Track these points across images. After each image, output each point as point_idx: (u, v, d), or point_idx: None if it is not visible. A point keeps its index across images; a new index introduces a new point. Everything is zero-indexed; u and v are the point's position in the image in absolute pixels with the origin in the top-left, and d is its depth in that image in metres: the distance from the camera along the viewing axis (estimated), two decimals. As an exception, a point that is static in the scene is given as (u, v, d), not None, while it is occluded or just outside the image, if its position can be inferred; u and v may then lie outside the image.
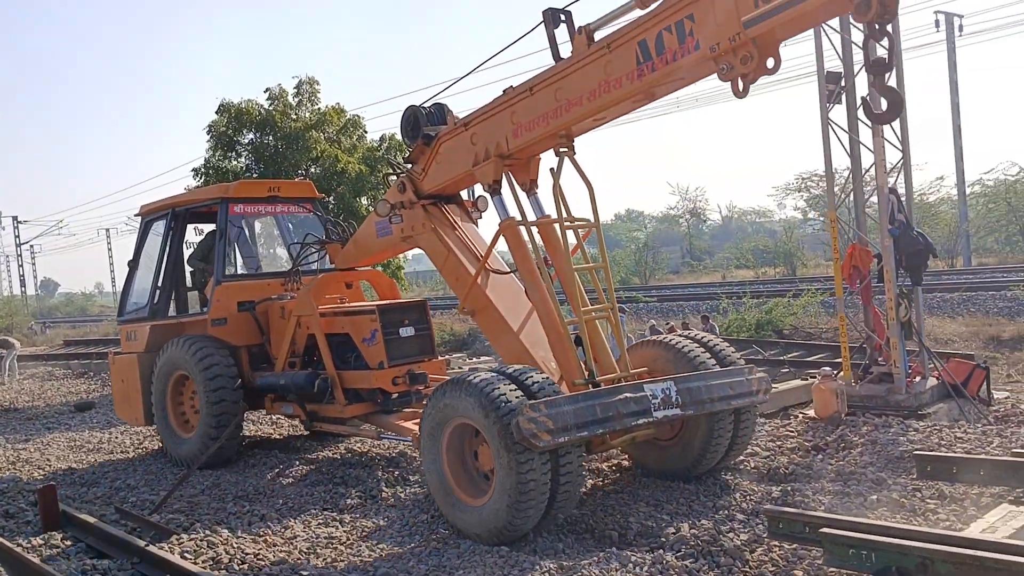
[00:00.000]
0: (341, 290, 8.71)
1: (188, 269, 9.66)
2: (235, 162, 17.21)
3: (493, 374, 5.62)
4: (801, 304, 17.20)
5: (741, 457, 6.91)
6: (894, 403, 8.75)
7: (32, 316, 46.57)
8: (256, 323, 8.71)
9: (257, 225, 10.41)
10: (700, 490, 6.34)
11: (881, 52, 4.52)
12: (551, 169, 6.19)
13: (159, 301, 9.21)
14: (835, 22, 9.20)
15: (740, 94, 4.97)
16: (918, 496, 5.78)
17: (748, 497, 6.14)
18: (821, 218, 38.91)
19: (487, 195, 6.51)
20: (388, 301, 8.36)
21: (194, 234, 9.79)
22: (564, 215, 6.25)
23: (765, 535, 5.11)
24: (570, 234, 6.48)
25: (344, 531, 6.19)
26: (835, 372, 9.44)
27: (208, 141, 17.19)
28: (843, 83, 9.28)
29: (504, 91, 6.23)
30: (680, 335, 6.88)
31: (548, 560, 5.09)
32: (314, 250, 8.79)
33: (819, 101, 9.31)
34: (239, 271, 9.79)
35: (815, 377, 9.41)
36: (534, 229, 6.38)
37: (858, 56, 9.18)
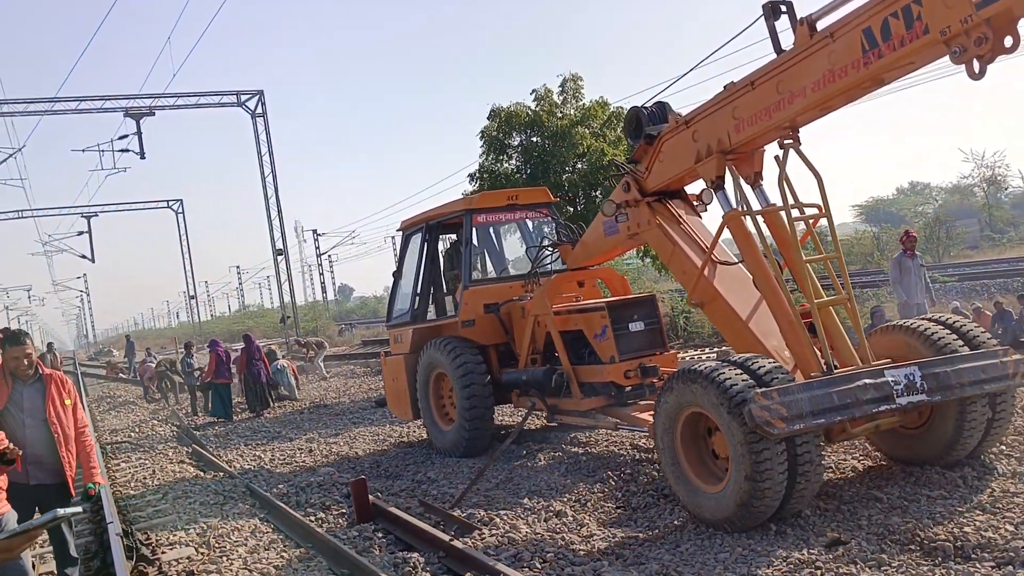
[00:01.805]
0: (574, 288, 9.64)
1: (443, 276, 11.13)
2: (506, 164, 18.58)
3: (720, 362, 6.07)
4: None
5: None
6: None
7: (332, 319, 53.44)
8: (501, 323, 9.90)
9: (504, 231, 11.70)
10: None
11: None
12: (776, 157, 6.50)
13: (419, 306, 10.75)
14: None
15: (976, 76, 4.99)
16: None
17: None
18: None
19: (711, 190, 6.98)
20: (618, 298, 9.12)
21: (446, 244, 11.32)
22: (791, 204, 6.53)
23: None
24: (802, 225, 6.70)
25: (640, 531, 6.39)
26: None
27: (481, 146, 18.77)
28: None
29: (724, 87, 6.62)
30: (926, 319, 6.88)
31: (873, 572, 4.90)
32: (548, 252, 9.78)
33: None
34: (489, 275, 11.07)
35: None
36: (760, 220, 6.75)
37: None
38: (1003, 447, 6.97)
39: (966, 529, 5.31)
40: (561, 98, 18.84)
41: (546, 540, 6.34)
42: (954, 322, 6.75)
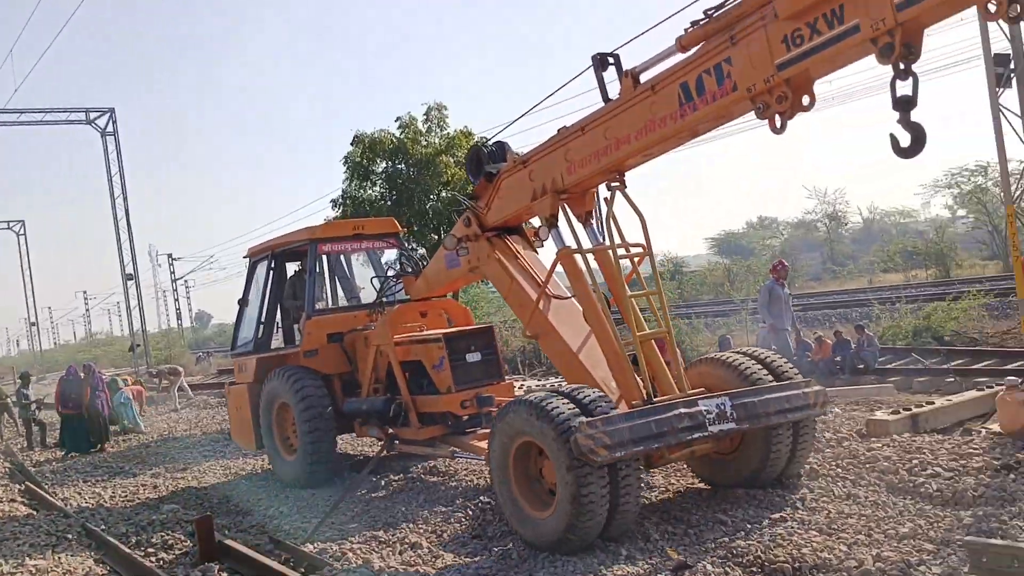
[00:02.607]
0: (417, 319, 9.94)
1: (288, 305, 11.19)
2: (370, 191, 18.80)
3: (549, 393, 6.49)
4: (962, 308, 17.14)
5: (920, 479, 7.05)
6: None
7: (188, 347, 51.27)
8: (344, 353, 10.07)
9: (356, 260, 11.89)
10: (879, 516, 6.31)
11: (906, 91, 5.06)
12: (605, 199, 7.05)
13: (263, 335, 10.79)
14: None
15: (778, 131, 5.57)
16: None
17: (935, 524, 6.04)
18: (971, 216, 37.79)
19: (546, 227, 7.43)
20: (456, 328, 9.52)
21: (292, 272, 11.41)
22: (618, 243, 7.08)
23: (965, 569, 5.00)
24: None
25: (493, 561, 6.47)
26: (1020, 381, 8.96)
27: (344, 172, 18.91)
28: (1013, 65, 9.34)
29: (558, 130, 7.12)
30: (736, 352, 7.58)
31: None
32: (394, 282, 10.07)
33: (987, 86, 9.31)
34: (335, 304, 11.23)
35: (992, 387, 9.26)
36: (590, 256, 7.28)
37: None
38: (839, 470, 7.60)
39: (804, 550, 5.67)
40: (426, 126, 19.25)
41: (400, 574, 6.45)
42: (763, 356, 7.44)
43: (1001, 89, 9.27)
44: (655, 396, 6.76)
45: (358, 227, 10.91)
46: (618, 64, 6.66)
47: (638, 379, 6.84)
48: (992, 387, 10.07)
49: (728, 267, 45.78)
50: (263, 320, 10.80)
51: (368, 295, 11.63)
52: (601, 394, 6.48)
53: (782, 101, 5.41)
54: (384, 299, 10.05)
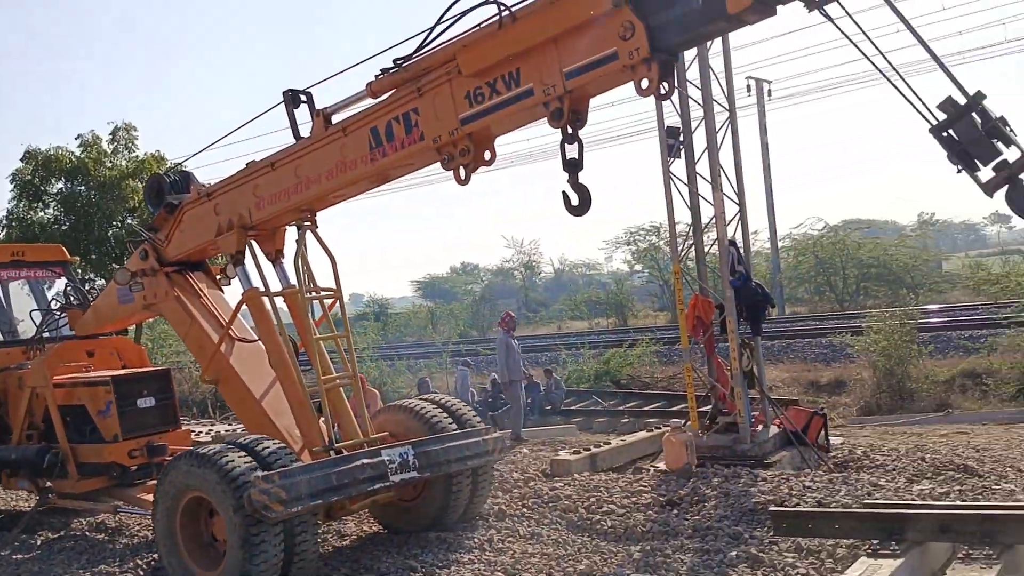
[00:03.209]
0: (83, 358, 8.87)
1: None
2: (42, 213, 17.16)
3: (225, 445, 6.09)
4: (636, 354, 18.63)
5: (597, 516, 7.41)
6: (740, 452, 9.45)
7: None
8: None
9: (15, 290, 10.43)
10: (559, 554, 6.54)
11: (573, 154, 5.39)
12: (296, 240, 6.78)
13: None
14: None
15: (462, 182, 5.67)
16: (775, 549, 6.18)
17: (608, 560, 6.37)
18: (646, 270, 41.90)
19: (232, 264, 7.02)
20: (128, 371, 8.65)
21: None
22: (308, 285, 6.84)
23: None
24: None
25: None
26: (683, 423, 9.94)
27: (12, 191, 17.08)
28: (681, 137, 10.15)
29: (247, 164, 6.80)
30: (422, 399, 7.63)
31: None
32: (58, 316, 8.98)
33: (660, 155, 10.04)
34: None
35: (660, 428, 9.91)
36: (278, 299, 6.97)
37: (696, 112, 10.10)
38: (525, 509, 7.82)
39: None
40: (112, 147, 17.91)
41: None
42: (447, 402, 7.54)
43: (672, 159, 10.13)
44: (338, 443, 6.60)
45: (17, 253, 9.64)
46: (310, 102, 6.51)
47: (322, 426, 6.64)
48: (660, 428, 11.03)
49: (432, 310, 46.84)
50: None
51: (29, 330, 10.30)
52: (281, 445, 6.23)
53: (465, 154, 5.53)
54: (45, 335, 8.90)
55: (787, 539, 6.26)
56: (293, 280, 7.02)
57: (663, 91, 4.81)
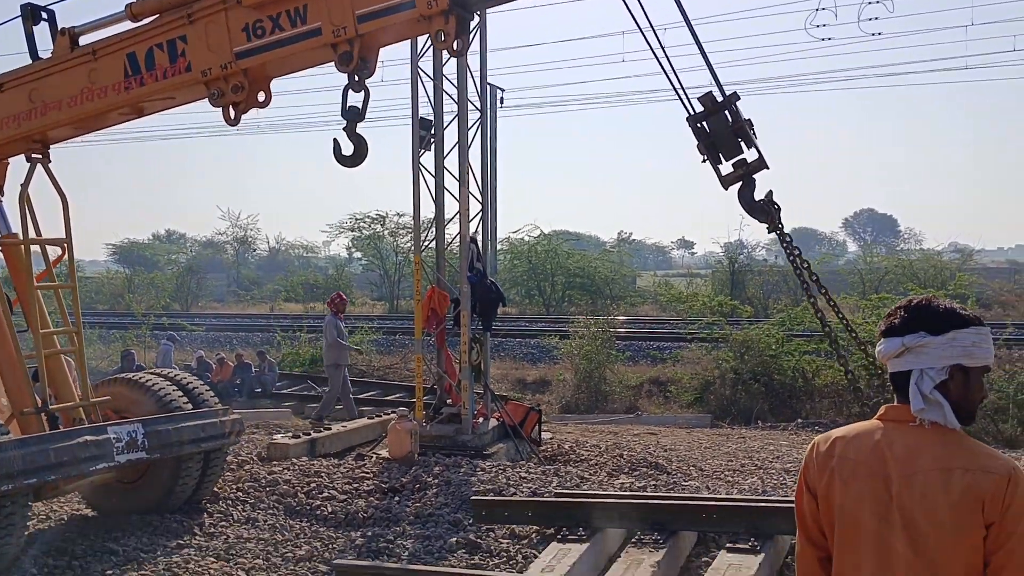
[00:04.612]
0: None
1: None
2: None
3: None
4: (355, 341, 18.33)
5: (317, 502, 7.27)
6: (461, 443, 9.63)
7: None
8: None
9: None
10: (277, 539, 6.40)
11: (356, 102, 5.27)
12: (25, 178, 6.07)
13: None
14: (428, 69, 10.15)
15: (232, 122, 5.39)
16: (492, 536, 6.46)
17: (330, 546, 6.35)
18: (365, 259, 41.74)
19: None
20: None
21: None
22: (32, 232, 6.14)
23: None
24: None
25: None
26: (408, 412, 10.00)
27: None
28: (433, 131, 10.17)
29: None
30: (154, 373, 7.11)
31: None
32: None
33: (412, 146, 9.99)
34: None
35: (380, 416, 9.87)
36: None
37: (449, 107, 10.19)
38: (240, 493, 7.48)
39: (203, 577, 5.54)
40: None
41: None
42: (181, 379, 7.09)
43: (423, 150, 10.20)
44: (57, 415, 6.06)
45: None
46: (52, 20, 5.89)
47: (35, 395, 6.03)
48: (380, 416, 11.14)
49: (130, 277, 43.26)
50: None
51: None
52: None
53: (238, 91, 5.27)
54: None
55: (503, 526, 6.59)
56: (12, 223, 6.29)
57: (459, 47, 4.87)
